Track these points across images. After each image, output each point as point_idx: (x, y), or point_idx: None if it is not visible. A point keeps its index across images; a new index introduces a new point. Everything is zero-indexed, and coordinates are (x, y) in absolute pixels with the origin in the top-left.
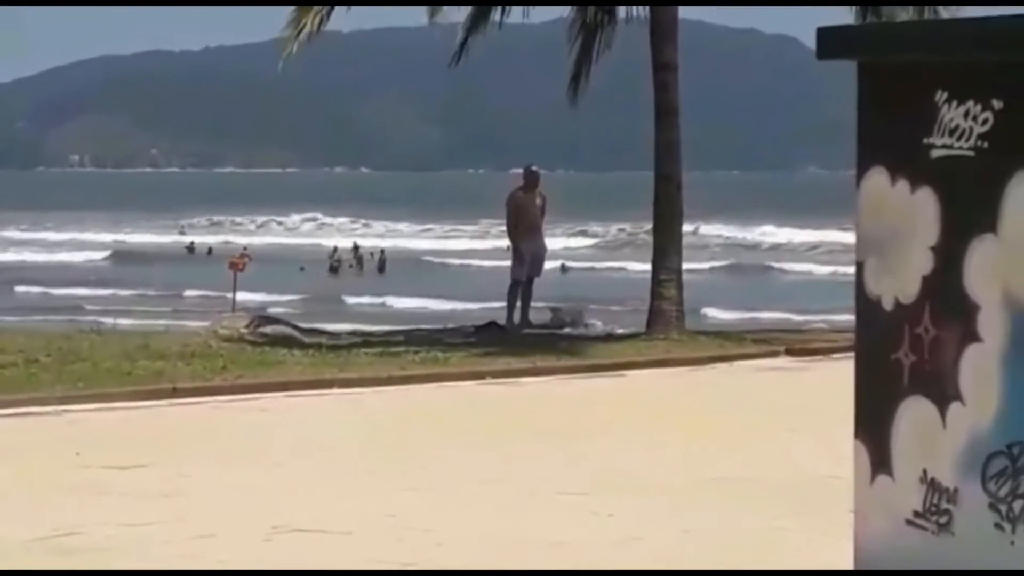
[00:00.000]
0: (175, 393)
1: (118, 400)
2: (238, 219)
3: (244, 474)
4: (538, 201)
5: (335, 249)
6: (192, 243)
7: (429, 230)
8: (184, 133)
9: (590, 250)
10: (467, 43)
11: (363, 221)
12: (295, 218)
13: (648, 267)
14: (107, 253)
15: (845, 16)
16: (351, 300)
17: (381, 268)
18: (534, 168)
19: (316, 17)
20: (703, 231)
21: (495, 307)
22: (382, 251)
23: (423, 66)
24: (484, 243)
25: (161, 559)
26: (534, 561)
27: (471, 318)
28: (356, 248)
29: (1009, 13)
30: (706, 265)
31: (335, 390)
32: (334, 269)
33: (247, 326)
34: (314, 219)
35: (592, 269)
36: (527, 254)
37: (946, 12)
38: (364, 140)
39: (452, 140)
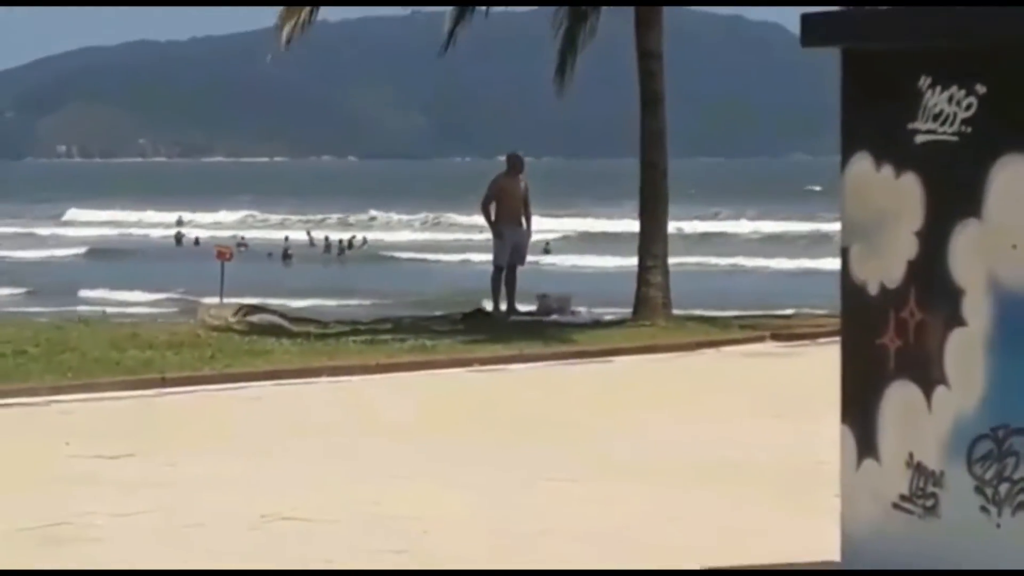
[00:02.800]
0: (164, 383)
1: (107, 390)
2: (221, 211)
3: (233, 463)
4: (524, 187)
5: (286, 239)
6: (180, 234)
7: (398, 221)
8: (172, 123)
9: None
10: (455, 31)
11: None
12: (275, 212)
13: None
14: (86, 248)
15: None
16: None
17: (340, 252)
18: (518, 154)
19: (306, 12)
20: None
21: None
22: (340, 240)
23: (409, 55)
24: (445, 235)
25: (150, 549)
26: (522, 547)
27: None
28: (324, 238)
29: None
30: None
31: (324, 378)
32: (287, 258)
33: (235, 315)
34: (295, 211)
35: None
36: (509, 240)
37: None
38: (351, 129)
39: (439, 128)
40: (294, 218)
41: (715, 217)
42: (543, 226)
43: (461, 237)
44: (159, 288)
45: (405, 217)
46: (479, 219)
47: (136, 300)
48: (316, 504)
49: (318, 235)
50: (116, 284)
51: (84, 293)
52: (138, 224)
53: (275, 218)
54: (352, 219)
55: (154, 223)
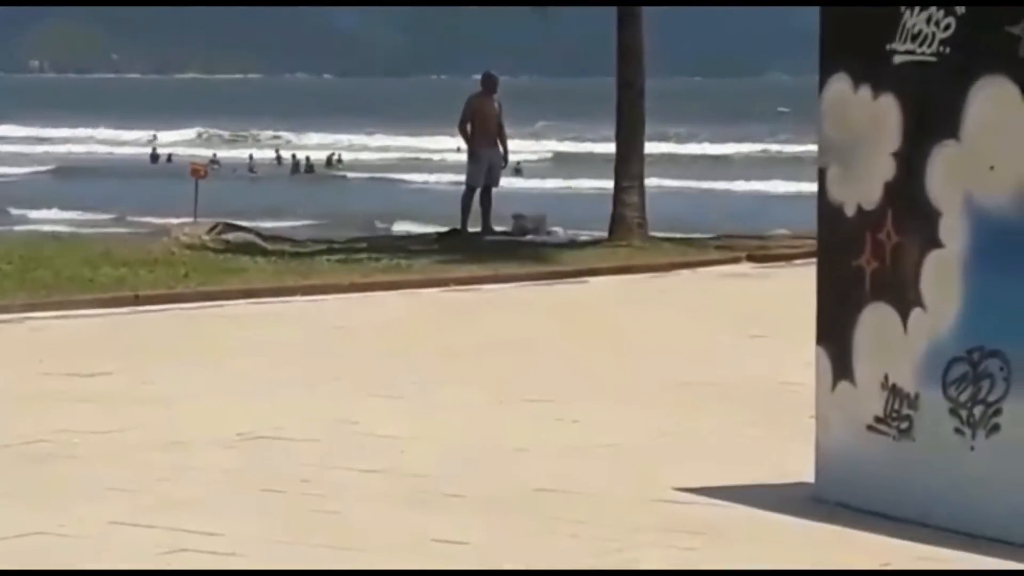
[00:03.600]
0: (138, 300)
1: (81, 308)
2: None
3: (208, 381)
4: (497, 107)
5: (251, 157)
6: (155, 151)
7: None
8: (145, 38)
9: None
10: None
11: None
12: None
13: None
14: (53, 166)
15: None
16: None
17: (309, 170)
18: (492, 73)
19: None
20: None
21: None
22: (307, 158)
23: None
24: (413, 155)
25: (128, 465)
26: (498, 466)
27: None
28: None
29: None
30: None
31: (298, 297)
32: (252, 172)
33: (209, 233)
34: (267, 128)
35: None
36: (484, 161)
37: None
38: (327, 46)
39: (416, 46)
40: (264, 135)
41: (691, 139)
42: (516, 147)
43: (432, 157)
44: (101, 207)
45: (373, 140)
46: (445, 140)
47: (63, 219)
48: (293, 423)
49: (285, 154)
50: (64, 203)
51: (18, 211)
52: (70, 140)
53: (244, 135)
54: (326, 138)
55: (109, 140)
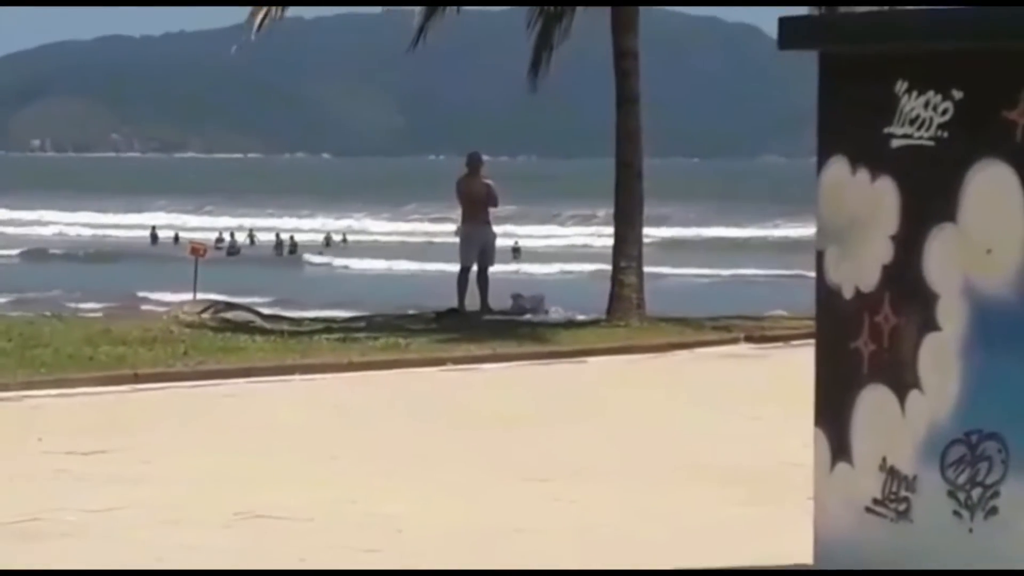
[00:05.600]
0: (137, 379)
1: (80, 386)
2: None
3: (206, 460)
4: (483, 186)
5: (232, 235)
6: (155, 231)
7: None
8: (145, 118)
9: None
10: (425, 28)
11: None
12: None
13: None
14: (24, 248)
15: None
16: None
17: (292, 252)
18: (476, 152)
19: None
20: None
21: None
22: (291, 237)
23: (386, 52)
24: (408, 238)
25: (125, 544)
26: (495, 547)
27: None
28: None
29: (967, 6)
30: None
31: (297, 376)
32: (233, 254)
33: (208, 311)
34: (260, 209)
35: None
36: (476, 242)
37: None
38: (326, 126)
39: (414, 126)
40: (256, 217)
41: (686, 222)
42: (512, 230)
43: (422, 241)
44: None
45: (367, 222)
46: (432, 225)
47: None
48: (289, 502)
49: (262, 236)
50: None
51: None
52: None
53: (232, 218)
54: (321, 220)
55: (120, 225)
